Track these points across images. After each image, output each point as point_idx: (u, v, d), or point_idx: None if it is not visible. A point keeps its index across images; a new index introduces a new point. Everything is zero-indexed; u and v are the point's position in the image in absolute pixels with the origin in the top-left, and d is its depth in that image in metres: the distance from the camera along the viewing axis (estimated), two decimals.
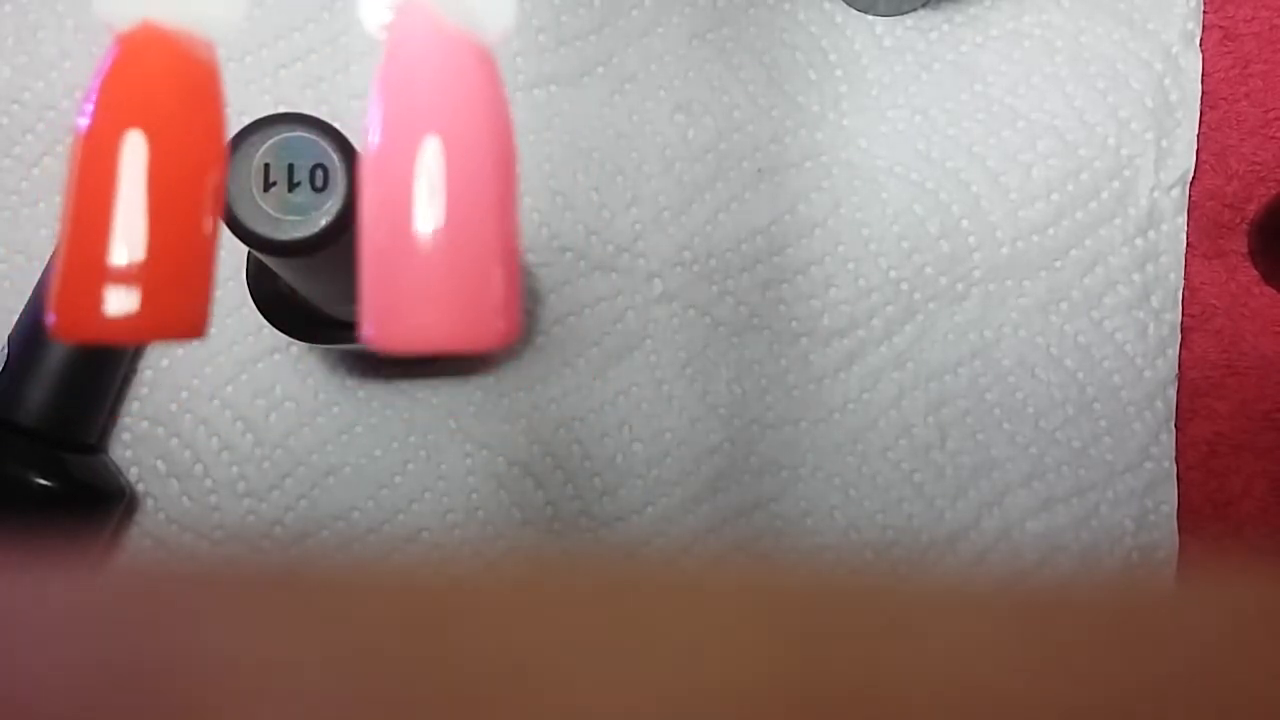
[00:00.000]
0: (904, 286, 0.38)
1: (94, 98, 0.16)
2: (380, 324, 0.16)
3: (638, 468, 0.38)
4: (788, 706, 0.11)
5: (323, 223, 0.26)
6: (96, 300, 0.15)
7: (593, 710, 0.11)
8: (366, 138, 0.16)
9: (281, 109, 0.26)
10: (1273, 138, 0.39)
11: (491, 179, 0.16)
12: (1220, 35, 0.39)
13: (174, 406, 0.38)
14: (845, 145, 0.39)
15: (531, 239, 0.38)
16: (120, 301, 0.15)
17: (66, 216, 0.16)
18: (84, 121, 0.16)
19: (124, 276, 0.15)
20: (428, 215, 0.16)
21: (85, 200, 0.15)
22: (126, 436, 0.38)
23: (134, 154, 0.15)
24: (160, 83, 0.16)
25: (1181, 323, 0.38)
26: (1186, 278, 0.39)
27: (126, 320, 0.15)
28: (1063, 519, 0.38)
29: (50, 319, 0.15)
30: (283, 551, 0.38)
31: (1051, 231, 0.39)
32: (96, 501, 0.36)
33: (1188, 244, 0.39)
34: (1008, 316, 0.38)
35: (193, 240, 0.16)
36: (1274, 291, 0.39)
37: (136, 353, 0.38)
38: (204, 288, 0.16)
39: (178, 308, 0.16)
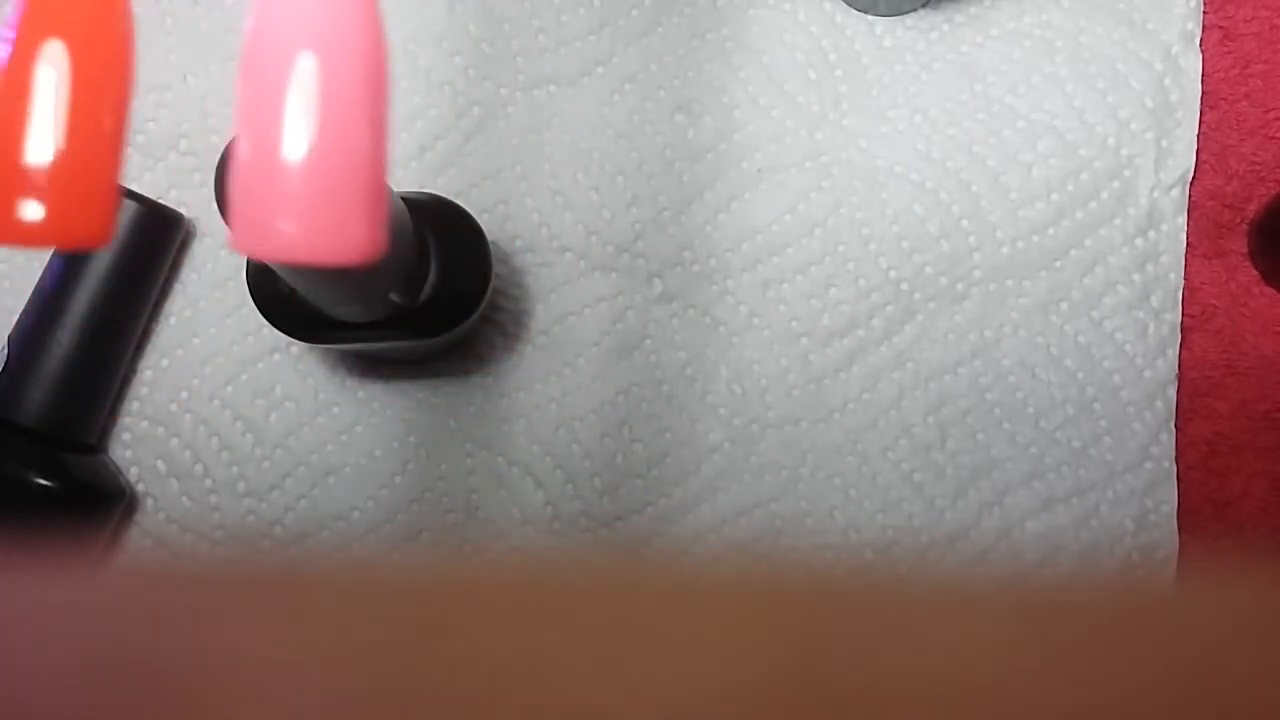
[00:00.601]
0: (904, 286, 0.38)
1: (16, 17, 0.17)
2: (246, 232, 0.16)
3: (638, 468, 0.38)
4: (788, 706, 0.11)
5: None
6: (10, 206, 0.16)
7: (593, 710, 0.11)
8: (242, 51, 0.17)
9: None
10: (1273, 138, 0.39)
11: (361, 97, 0.17)
12: (1220, 35, 0.39)
13: (174, 406, 0.38)
14: (845, 145, 0.39)
15: (531, 239, 0.38)
16: (31, 208, 0.16)
17: None
18: (4, 50, 0.17)
19: (33, 183, 0.16)
20: (295, 127, 0.16)
21: (3, 109, 0.16)
22: (126, 436, 0.38)
23: (49, 66, 0.16)
24: (75, 21, 0.17)
25: (1181, 323, 0.38)
26: (1186, 278, 0.39)
27: (35, 226, 0.16)
28: (1063, 519, 0.38)
29: None
30: (283, 551, 0.38)
31: (1051, 231, 0.39)
32: (96, 501, 0.36)
33: (1188, 244, 0.39)
34: (1008, 316, 0.38)
35: (97, 148, 0.17)
36: (1274, 291, 0.39)
37: (137, 353, 0.38)
38: (108, 197, 0.17)
39: (83, 215, 0.17)
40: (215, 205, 0.26)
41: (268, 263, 0.29)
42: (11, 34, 0.17)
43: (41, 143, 0.17)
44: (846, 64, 0.39)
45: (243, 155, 0.17)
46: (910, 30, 0.40)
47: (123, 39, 0.17)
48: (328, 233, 0.17)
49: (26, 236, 0.17)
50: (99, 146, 0.17)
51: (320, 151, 0.16)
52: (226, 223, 0.18)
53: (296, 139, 0.16)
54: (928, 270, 0.38)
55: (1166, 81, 0.39)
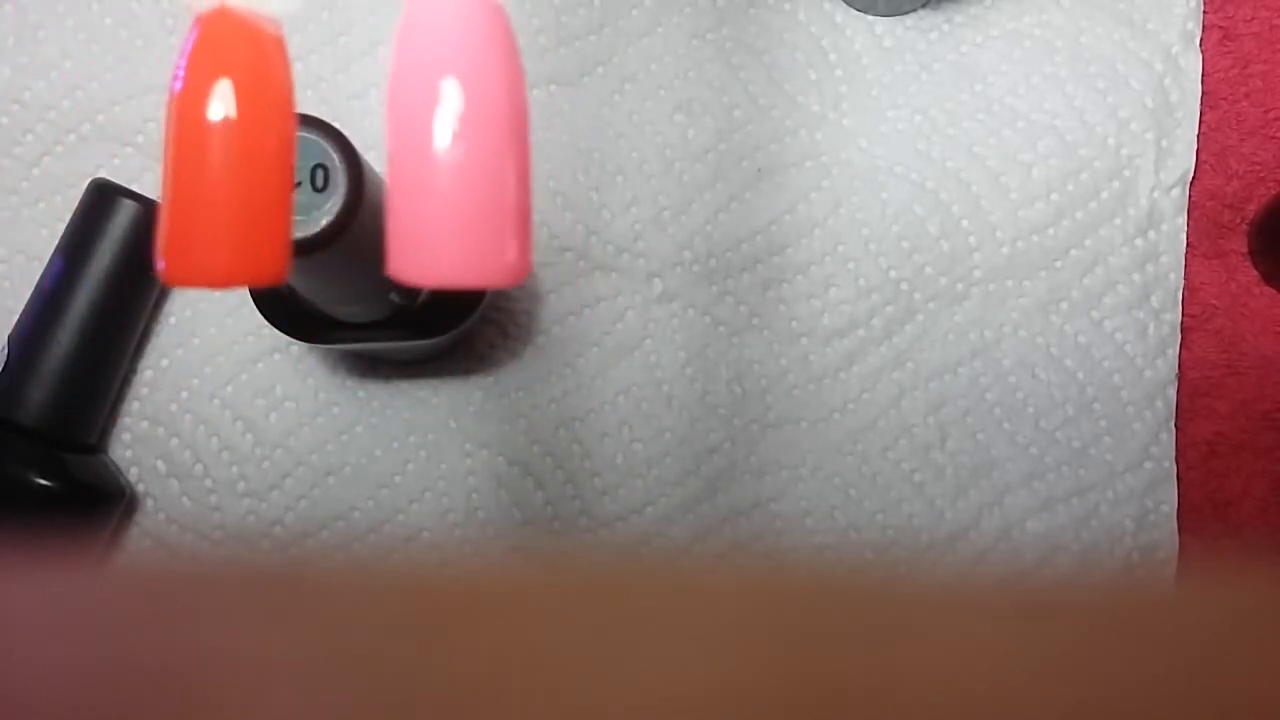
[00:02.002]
0: (904, 286, 0.38)
1: (184, 65, 0.18)
2: (404, 260, 0.17)
3: (638, 468, 0.38)
4: (788, 706, 0.11)
5: (323, 223, 0.26)
6: (197, 249, 0.17)
7: (593, 710, 0.11)
8: (389, 85, 0.17)
9: None
10: (1273, 138, 0.39)
11: (506, 122, 0.18)
12: (1220, 35, 0.39)
13: (174, 406, 0.38)
14: (845, 145, 0.39)
15: (532, 239, 0.38)
16: (215, 251, 0.17)
17: (166, 172, 0.18)
18: (176, 85, 0.18)
19: (219, 228, 0.17)
20: (447, 157, 0.17)
21: (181, 155, 0.17)
22: (126, 436, 0.38)
23: (220, 109, 0.17)
24: (238, 50, 0.18)
25: (1181, 323, 0.39)
26: (1186, 278, 0.39)
27: (223, 267, 0.17)
28: (1063, 519, 0.38)
29: (160, 266, 0.18)
30: (283, 551, 0.38)
31: (1051, 231, 0.39)
32: (96, 501, 0.36)
33: (1188, 244, 0.39)
34: (1008, 316, 0.38)
35: (278, 194, 0.18)
36: (1274, 291, 0.39)
37: (137, 353, 0.38)
38: (285, 236, 0.18)
39: (265, 255, 0.18)
40: None
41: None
42: (181, 73, 0.18)
43: (219, 181, 0.17)
44: (846, 64, 0.39)
45: (397, 186, 0.17)
46: (910, 30, 0.40)
47: (284, 80, 0.18)
48: (485, 257, 0.17)
49: (207, 278, 0.17)
50: (271, 182, 0.18)
51: (473, 181, 0.17)
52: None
53: (450, 167, 0.17)
54: (928, 270, 0.38)
55: (1166, 81, 0.39)
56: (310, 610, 0.13)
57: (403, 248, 0.17)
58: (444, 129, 0.17)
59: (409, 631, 0.12)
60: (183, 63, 0.18)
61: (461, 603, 0.13)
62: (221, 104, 0.17)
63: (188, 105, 0.17)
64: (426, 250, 0.17)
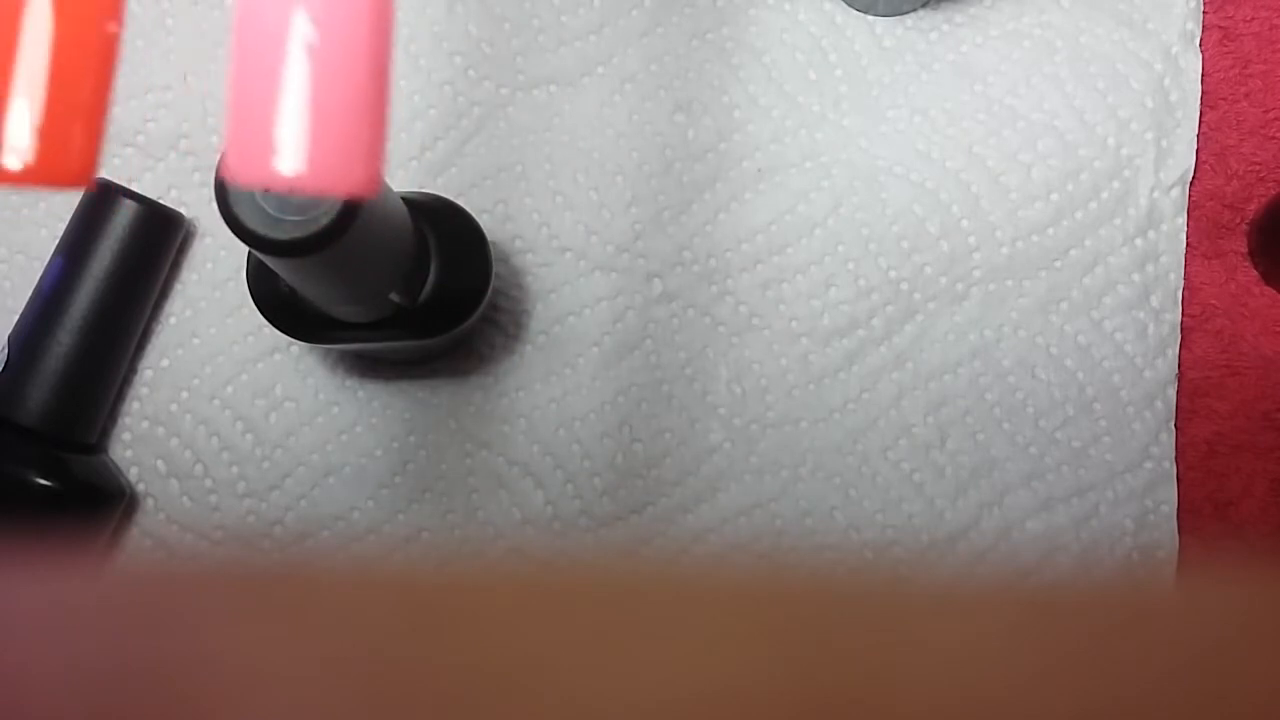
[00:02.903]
0: (904, 286, 0.38)
1: None
2: (241, 156, 0.16)
3: (638, 468, 0.38)
4: (787, 705, 0.11)
5: (323, 223, 0.26)
6: None
7: (592, 710, 0.11)
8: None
9: None
10: (1273, 138, 0.39)
11: (365, 34, 0.17)
12: (1220, 35, 0.39)
13: (174, 406, 0.38)
14: (845, 145, 0.39)
15: (531, 239, 0.38)
16: (14, 149, 0.17)
17: None
18: None
19: (18, 122, 0.16)
20: (298, 55, 0.16)
21: None
22: (126, 436, 0.38)
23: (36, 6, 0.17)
24: None
25: (1181, 323, 0.38)
26: (1186, 278, 0.39)
27: (20, 168, 0.17)
28: (1063, 519, 0.38)
29: None
30: (283, 551, 0.38)
31: (1051, 231, 0.39)
32: (96, 501, 0.36)
33: (1188, 244, 0.39)
34: (1008, 316, 0.38)
35: (93, 89, 0.17)
36: (1274, 291, 0.39)
37: (137, 353, 0.38)
38: (94, 139, 0.17)
39: (67, 156, 0.17)
40: (215, 205, 0.26)
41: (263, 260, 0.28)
42: None
43: (30, 76, 0.17)
44: (846, 64, 0.39)
45: (241, 79, 0.16)
46: (910, 30, 0.40)
47: None
48: (328, 164, 0.16)
49: (9, 177, 0.17)
50: (85, 77, 0.17)
51: (323, 83, 0.16)
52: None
53: (300, 68, 0.16)
54: (928, 270, 0.38)
55: (1166, 81, 0.39)
56: (310, 610, 0.13)
57: (241, 144, 0.16)
58: (298, 31, 0.16)
59: (409, 631, 0.12)
60: None
61: (461, 602, 0.13)
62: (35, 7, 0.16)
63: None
64: (267, 147, 0.16)
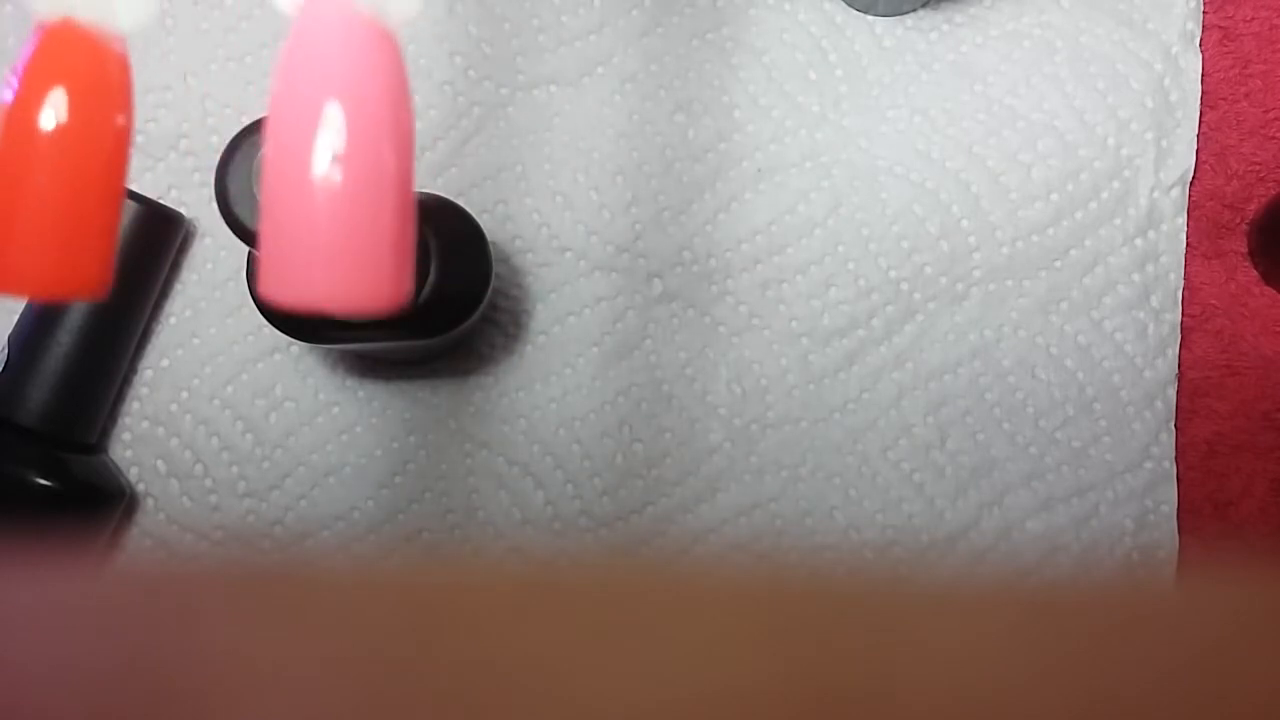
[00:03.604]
0: (904, 286, 0.38)
1: (20, 71, 0.17)
2: (274, 280, 0.17)
3: (638, 468, 0.38)
4: (787, 705, 0.11)
5: None
6: (15, 256, 0.17)
7: (592, 710, 0.11)
8: (270, 102, 0.17)
9: None
10: (1273, 138, 0.39)
11: (389, 151, 0.17)
12: (1220, 35, 0.39)
13: (174, 406, 0.38)
14: (845, 145, 0.39)
15: (531, 239, 0.38)
16: (35, 259, 0.17)
17: None
18: (8, 94, 0.17)
19: (39, 236, 0.17)
20: (325, 179, 0.17)
21: (6, 160, 0.17)
22: (126, 436, 0.38)
23: (49, 127, 0.17)
24: (76, 72, 0.17)
25: (1181, 323, 0.39)
26: (1186, 278, 0.39)
27: (41, 277, 0.17)
28: (1063, 519, 0.38)
29: None
30: (283, 551, 0.38)
31: (1051, 231, 0.39)
32: (96, 501, 0.36)
33: (1188, 244, 0.39)
34: (1008, 316, 0.38)
35: (104, 209, 0.18)
36: (1274, 291, 0.39)
37: (137, 353, 0.38)
38: (108, 252, 0.18)
39: (86, 268, 0.17)
40: (215, 205, 0.26)
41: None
42: (15, 80, 0.18)
43: (43, 192, 0.17)
44: (846, 64, 0.39)
45: (271, 204, 0.17)
46: (910, 30, 0.40)
47: (121, 98, 0.18)
48: (358, 284, 0.17)
49: (24, 286, 0.17)
50: (99, 196, 0.18)
51: (352, 206, 0.17)
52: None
53: (328, 192, 0.17)
54: (928, 270, 0.38)
55: (1166, 81, 0.39)
56: (310, 610, 0.13)
57: (275, 270, 0.17)
58: (323, 151, 0.17)
59: (409, 631, 0.12)
60: (19, 68, 0.17)
61: (461, 602, 0.13)
62: (52, 112, 0.17)
63: (18, 110, 0.17)
64: (299, 272, 0.16)
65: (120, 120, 0.18)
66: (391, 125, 0.17)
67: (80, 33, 0.18)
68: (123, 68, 0.18)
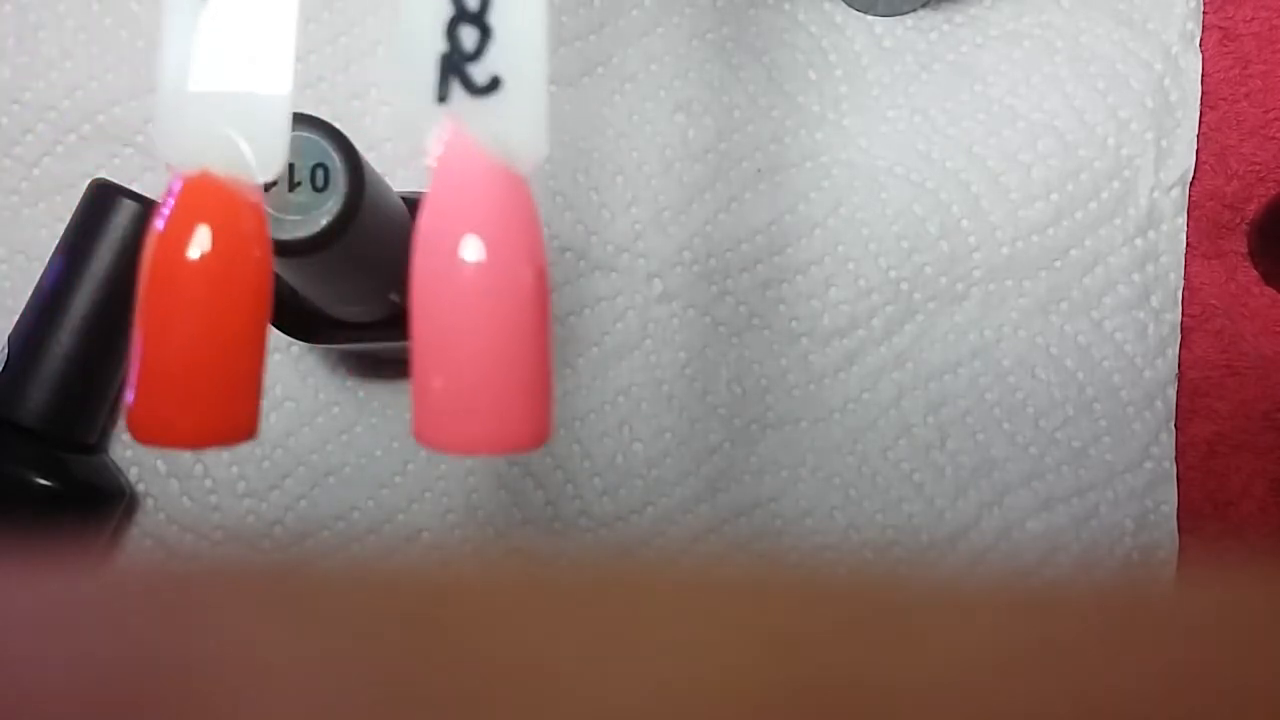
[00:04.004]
0: (904, 286, 0.38)
1: (161, 227, 0.18)
2: (431, 428, 0.18)
3: (638, 468, 0.38)
4: (787, 706, 0.11)
5: (323, 223, 0.26)
6: (165, 410, 0.18)
7: (592, 710, 0.11)
8: (413, 254, 0.18)
9: None
10: (1273, 138, 0.39)
11: (529, 297, 0.18)
12: (1220, 35, 0.39)
13: None
14: (845, 145, 0.39)
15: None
16: (184, 413, 0.18)
17: (138, 327, 0.18)
18: (157, 228, 0.18)
19: (185, 392, 0.18)
20: (472, 327, 0.18)
21: (151, 315, 0.18)
22: (126, 436, 0.38)
23: (191, 278, 0.18)
24: (216, 220, 0.19)
25: (1181, 323, 0.39)
26: (1186, 278, 0.39)
27: (190, 428, 0.18)
28: (1063, 519, 0.38)
29: (128, 413, 0.18)
30: (283, 551, 0.38)
31: (1051, 231, 0.39)
32: (96, 501, 0.36)
33: (1188, 244, 0.39)
34: (1008, 316, 0.38)
35: (245, 357, 0.19)
36: (1274, 292, 0.39)
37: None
38: (254, 397, 0.19)
39: (232, 417, 0.18)
40: None
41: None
42: (165, 213, 0.19)
43: (193, 331, 0.18)
44: (846, 64, 0.39)
45: (422, 361, 0.18)
46: (910, 30, 0.40)
47: (259, 232, 0.19)
48: (509, 428, 0.18)
49: (181, 438, 0.18)
50: (242, 343, 0.19)
51: (498, 356, 0.18)
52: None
53: (476, 343, 0.18)
54: (928, 270, 0.38)
55: (1166, 81, 0.39)
56: (310, 610, 0.13)
57: (429, 417, 0.18)
58: (466, 299, 0.18)
59: (409, 632, 0.12)
60: (162, 216, 0.18)
61: (462, 603, 0.13)
62: (198, 253, 0.18)
63: (164, 256, 0.18)
64: (451, 418, 0.18)
65: (260, 257, 0.19)
66: (530, 270, 0.18)
67: (216, 183, 0.19)
68: (258, 212, 0.19)
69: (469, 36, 0.18)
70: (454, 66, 0.18)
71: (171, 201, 0.18)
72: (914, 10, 0.40)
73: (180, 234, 0.18)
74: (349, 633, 0.12)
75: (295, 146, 0.26)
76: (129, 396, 0.18)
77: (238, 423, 0.18)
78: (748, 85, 0.39)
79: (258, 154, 0.19)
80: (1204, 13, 0.39)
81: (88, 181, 0.37)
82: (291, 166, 0.26)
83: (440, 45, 0.18)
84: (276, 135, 0.19)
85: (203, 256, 0.18)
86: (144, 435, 0.18)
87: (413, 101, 0.18)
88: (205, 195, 0.19)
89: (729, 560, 0.35)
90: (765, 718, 0.11)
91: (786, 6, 0.40)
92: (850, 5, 0.40)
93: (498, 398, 0.17)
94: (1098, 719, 0.11)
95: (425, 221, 0.18)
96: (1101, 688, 0.11)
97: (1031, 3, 0.40)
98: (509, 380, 0.18)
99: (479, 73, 0.18)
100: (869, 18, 0.40)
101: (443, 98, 0.18)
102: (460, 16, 0.18)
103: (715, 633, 0.12)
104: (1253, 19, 0.39)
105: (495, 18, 0.18)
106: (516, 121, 0.18)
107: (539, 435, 0.18)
